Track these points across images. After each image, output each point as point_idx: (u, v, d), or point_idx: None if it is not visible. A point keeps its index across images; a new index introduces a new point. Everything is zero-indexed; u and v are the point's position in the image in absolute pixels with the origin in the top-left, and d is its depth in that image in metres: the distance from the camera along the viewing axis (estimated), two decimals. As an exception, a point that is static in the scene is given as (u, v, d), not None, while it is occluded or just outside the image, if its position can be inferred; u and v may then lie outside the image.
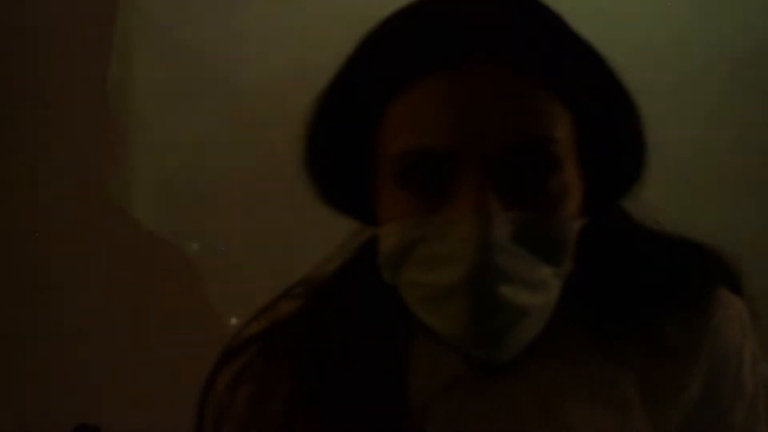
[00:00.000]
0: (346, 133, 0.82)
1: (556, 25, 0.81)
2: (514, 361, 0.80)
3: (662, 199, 0.89)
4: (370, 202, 0.83)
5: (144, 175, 2.05)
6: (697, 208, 1.73)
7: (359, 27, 0.84)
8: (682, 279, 0.88)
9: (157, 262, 2.06)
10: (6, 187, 2.11)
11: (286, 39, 1.95)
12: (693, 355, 0.86)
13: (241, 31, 1.98)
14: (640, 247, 0.88)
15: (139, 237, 2.04)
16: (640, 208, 0.89)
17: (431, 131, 0.76)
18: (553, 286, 0.78)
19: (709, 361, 0.87)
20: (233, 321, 1.84)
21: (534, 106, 0.76)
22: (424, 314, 0.80)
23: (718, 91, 1.82)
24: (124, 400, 2.01)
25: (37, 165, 2.10)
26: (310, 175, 0.86)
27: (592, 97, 0.80)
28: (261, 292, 0.94)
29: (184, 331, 2.01)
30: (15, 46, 2.08)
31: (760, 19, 1.82)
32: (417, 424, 0.83)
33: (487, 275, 0.74)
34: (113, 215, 2.05)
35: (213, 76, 1.97)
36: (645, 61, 1.69)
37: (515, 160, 0.75)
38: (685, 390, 0.86)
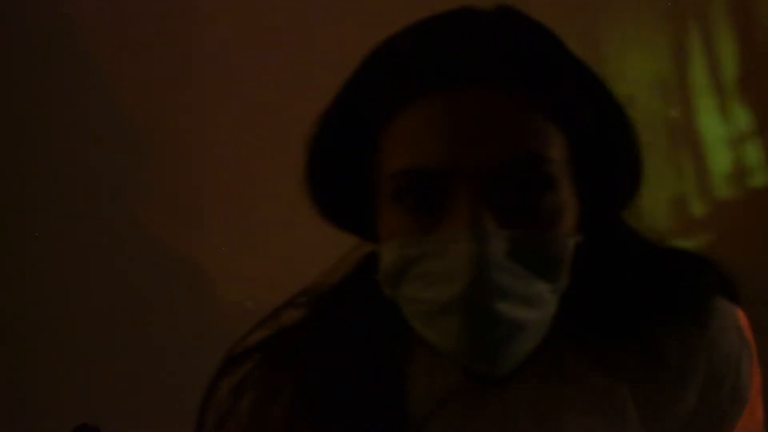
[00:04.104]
0: (345, 152, 0.83)
1: (549, 44, 0.82)
2: (511, 374, 0.81)
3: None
4: (370, 220, 0.84)
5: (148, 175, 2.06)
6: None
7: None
8: (678, 291, 0.89)
9: (159, 263, 2.07)
10: (8, 186, 2.12)
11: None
12: (689, 367, 0.87)
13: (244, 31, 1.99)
14: (636, 258, 0.89)
15: (141, 236, 2.05)
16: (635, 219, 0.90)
17: (426, 151, 0.77)
18: (549, 301, 0.79)
19: (705, 372, 0.87)
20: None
21: (527, 126, 0.77)
22: (422, 329, 0.81)
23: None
24: (124, 400, 2.02)
25: (38, 163, 2.11)
26: (311, 193, 0.87)
27: (586, 116, 0.81)
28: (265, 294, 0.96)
29: (185, 332, 2.03)
30: (21, 47, 2.09)
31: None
32: None
33: (483, 291, 0.75)
34: (117, 216, 2.06)
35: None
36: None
37: (509, 179, 0.77)
38: (682, 401, 0.87)
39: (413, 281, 0.79)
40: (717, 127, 2.15)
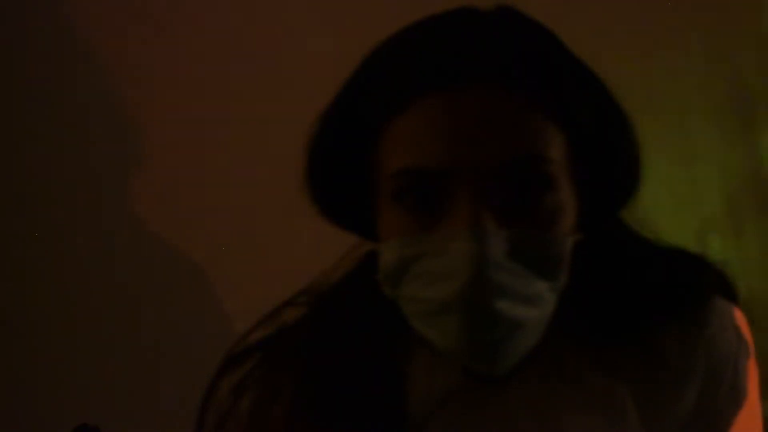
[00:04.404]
0: (345, 152, 0.84)
1: (550, 44, 0.82)
2: (511, 373, 0.81)
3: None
4: (370, 219, 0.84)
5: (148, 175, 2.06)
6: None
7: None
8: (677, 290, 0.89)
9: (159, 263, 2.07)
10: (8, 186, 2.12)
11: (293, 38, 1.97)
12: (688, 366, 0.88)
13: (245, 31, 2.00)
14: (635, 258, 0.89)
15: (141, 237, 2.05)
16: (634, 218, 0.91)
17: (426, 151, 0.77)
18: (548, 300, 0.79)
19: (704, 371, 0.88)
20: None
21: (527, 126, 0.78)
22: (422, 328, 0.81)
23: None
24: (124, 400, 2.02)
25: (38, 162, 2.11)
26: (311, 192, 0.87)
27: (586, 116, 0.81)
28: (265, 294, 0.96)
29: (185, 332, 2.03)
30: (21, 47, 2.09)
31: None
32: None
33: (482, 290, 0.75)
34: (119, 217, 2.06)
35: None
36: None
37: (509, 179, 0.77)
38: (681, 400, 0.87)
39: (413, 280, 0.80)
40: None
